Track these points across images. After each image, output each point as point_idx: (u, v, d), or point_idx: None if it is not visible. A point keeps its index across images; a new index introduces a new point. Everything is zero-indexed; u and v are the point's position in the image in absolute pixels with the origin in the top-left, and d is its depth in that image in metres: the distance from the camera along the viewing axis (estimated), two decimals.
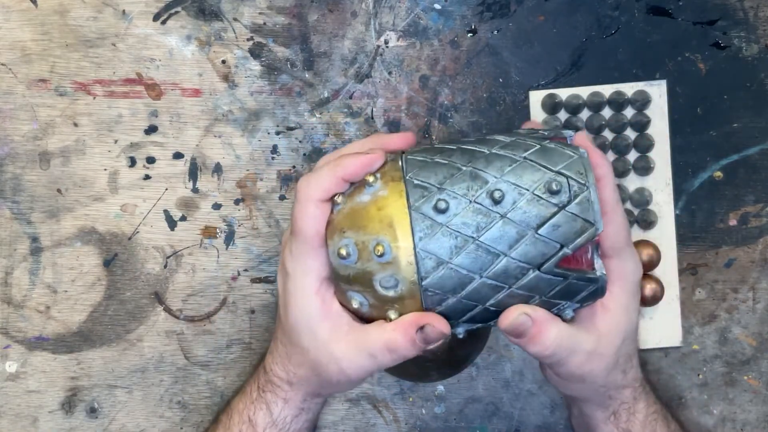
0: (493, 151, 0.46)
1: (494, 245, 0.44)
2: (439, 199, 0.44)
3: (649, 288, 0.61)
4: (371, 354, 0.47)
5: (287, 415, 0.53)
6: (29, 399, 0.63)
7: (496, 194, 0.44)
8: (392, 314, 0.46)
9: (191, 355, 0.63)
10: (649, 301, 0.61)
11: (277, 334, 0.53)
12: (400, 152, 0.48)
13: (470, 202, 0.44)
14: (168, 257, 0.63)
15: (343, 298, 0.48)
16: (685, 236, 0.62)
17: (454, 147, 0.47)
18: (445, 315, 0.46)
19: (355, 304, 0.47)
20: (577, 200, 0.44)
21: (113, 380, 0.63)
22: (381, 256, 0.44)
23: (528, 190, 0.44)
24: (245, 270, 0.63)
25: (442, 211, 0.44)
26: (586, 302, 0.47)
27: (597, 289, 0.46)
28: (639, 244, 0.61)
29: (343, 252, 0.45)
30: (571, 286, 0.46)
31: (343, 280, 0.47)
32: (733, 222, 0.63)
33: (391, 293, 0.46)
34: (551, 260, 0.44)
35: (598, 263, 0.46)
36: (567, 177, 0.45)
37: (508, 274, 0.45)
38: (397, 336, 0.46)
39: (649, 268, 0.61)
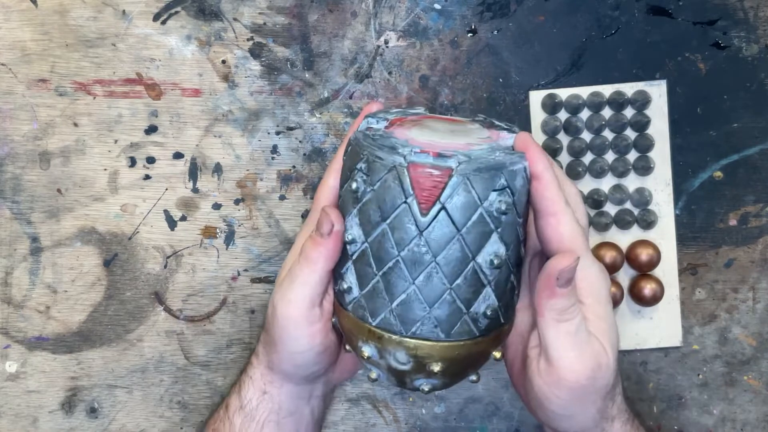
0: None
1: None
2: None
3: (649, 288, 0.61)
4: (288, 277, 0.48)
5: (252, 397, 0.53)
6: (29, 399, 0.63)
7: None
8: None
9: (191, 355, 0.63)
10: (649, 301, 0.61)
11: (262, 338, 0.55)
12: None
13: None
14: (168, 257, 0.63)
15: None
16: (685, 236, 0.62)
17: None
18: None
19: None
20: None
21: (113, 380, 0.63)
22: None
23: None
24: (245, 270, 0.63)
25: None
26: (488, 239, 0.44)
27: (485, 222, 0.43)
28: (639, 244, 0.61)
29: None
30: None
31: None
32: (733, 222, 0.63)
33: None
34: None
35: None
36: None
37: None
38: (306, 242, 0.47)
39: (649, 268, 0.61)
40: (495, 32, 0.62)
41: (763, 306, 0.63)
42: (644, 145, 0.61)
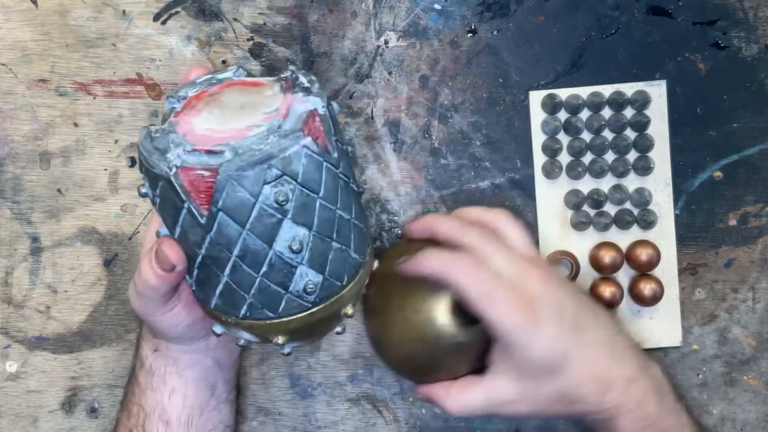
0: None
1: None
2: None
3: (649, 288, 0.61)
4: (133, 281, 0.50)
5: (148, 354, 0.55)
6: (29, 399, 0.63)
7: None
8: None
9: None
10: (648, 301, 0.61)
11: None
12: None
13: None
14: None
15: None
16: (684, 236, 0.62)
17: None
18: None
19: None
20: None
21: (113, 380, 0.63)
22: None
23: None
24: None
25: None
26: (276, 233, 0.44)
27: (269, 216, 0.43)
28: (639, 244, 0.61)
29: None
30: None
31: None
32: (732, 222, 0.63)
33: None
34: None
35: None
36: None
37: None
38: (144, 262, 0.48)
39: (649, 268, 0.61)
40: (495, 32, 0.62)
41: (762, 306, 0.63)
42: (644, 145, 0.61)
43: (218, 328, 0.48)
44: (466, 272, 0.50)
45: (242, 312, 0.45)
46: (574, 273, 0.62)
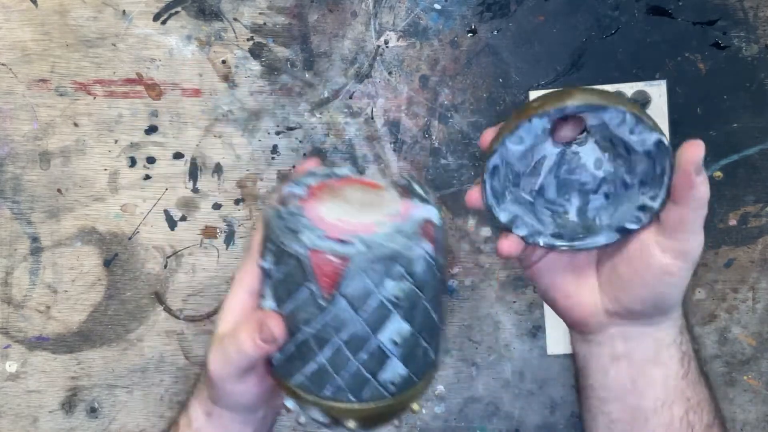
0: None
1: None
2: None
3: None
4: (225, 349, 0.49)
5: (198, 417, 0.54)
6: (29, 399, 0.63)
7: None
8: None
9: (191, 354, 0.63)
10: None
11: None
12: None
13: None
14: (168, 257, 0.63)
15: None
16: None
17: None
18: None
19: None
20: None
21: (113, 380, 0.63)
22: None
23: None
24: None
25: None
26: (385, 319, 0.47)
27: (386, 306, 0.47)
28: None
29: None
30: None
31: None
32: (733, 222, 0.63)
33: None
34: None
35: None
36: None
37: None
38: (242, 332, 0.48)
39: None
40: (495, 32, 0.62)
41: (762, 306, 0.63)
42: None
43: (291, 404, 0.49)
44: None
45: (326, 392, 0.47)
46: None
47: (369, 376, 0.47)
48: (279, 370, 0.49)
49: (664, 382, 0.51)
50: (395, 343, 0.46)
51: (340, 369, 0.46)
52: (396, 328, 0.46)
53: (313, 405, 0.48)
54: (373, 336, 0.46)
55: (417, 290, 0.46)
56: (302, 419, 0.50)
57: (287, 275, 0.46)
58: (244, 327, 0.48)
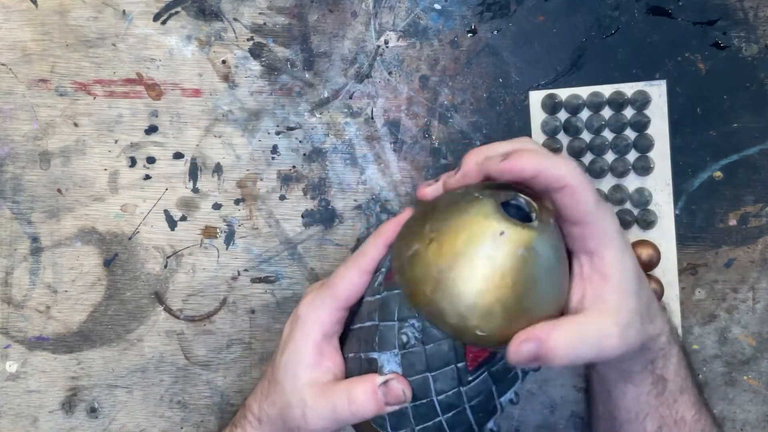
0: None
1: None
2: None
3: (649, 288, 0.61)
4: (334, 405, 0.48)
5: None
6: (29, 399, 0.63)
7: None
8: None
9: (191, 355, 0.63)
10: None
11: (267, 371, 0.54)
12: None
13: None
14: (168, 257, 0.63)
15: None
16: (684, 236, 0.62)
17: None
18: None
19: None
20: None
21: (113, 380, 0.63)
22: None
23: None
24: (245, 270, 0.63)
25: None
26: (513, 385, 0.50)
27: (515, 374, 0.49)
28: (639, 244, 0.61)
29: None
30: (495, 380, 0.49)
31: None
32: (732, 222, 0.63)
33: None
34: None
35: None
36: None
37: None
38: (359, 389, 0.47)
39: (649, 268, 0.61)
40: (495, 32, 0.62)
41: (762, 306, 0.63)
42: (644, 145, 0.61)
43: None
44: (581, 177, 0.45)
45: None
46: None
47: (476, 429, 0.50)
48: (377, 420, 0.50)
49: (636, 398, 0.53)
50: (512, 403, 0.50)
51: (456, 424, 0.49)
52: (515, 389, 0.50)
53: None
54: (496, 398, 0.49)
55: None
56: None
57: (433, 351, 0.46)
58: (363, 383, 0.47)
